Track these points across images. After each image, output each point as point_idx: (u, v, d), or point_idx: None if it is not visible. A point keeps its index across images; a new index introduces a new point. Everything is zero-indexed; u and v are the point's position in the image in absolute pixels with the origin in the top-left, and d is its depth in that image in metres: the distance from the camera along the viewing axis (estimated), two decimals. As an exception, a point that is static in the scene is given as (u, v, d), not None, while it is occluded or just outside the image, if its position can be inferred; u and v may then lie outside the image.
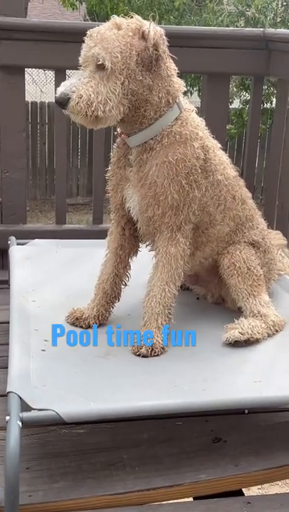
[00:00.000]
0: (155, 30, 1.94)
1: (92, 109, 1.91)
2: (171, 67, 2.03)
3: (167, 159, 2.02)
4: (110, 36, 1.91)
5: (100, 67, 1.91)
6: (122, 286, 2.26)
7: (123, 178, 2.12)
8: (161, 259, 2.10)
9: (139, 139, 2.05)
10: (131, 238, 2.24)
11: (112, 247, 2.24)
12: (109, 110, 1.93)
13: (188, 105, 2.12)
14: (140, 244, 2.26)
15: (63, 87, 1.94)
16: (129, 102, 1.97)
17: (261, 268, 2.27)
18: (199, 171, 2.07)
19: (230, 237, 2.26)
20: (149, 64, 1.94)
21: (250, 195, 2.34)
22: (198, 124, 2.11)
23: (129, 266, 2.26)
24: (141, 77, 1.94)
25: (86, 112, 1.92)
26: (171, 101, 2.03)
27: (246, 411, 2.04)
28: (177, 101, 2.05)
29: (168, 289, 2.09)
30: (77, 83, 1.93)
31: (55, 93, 1.98)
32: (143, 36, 1.92)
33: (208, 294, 2.43)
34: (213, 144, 2.18)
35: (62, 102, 1.93)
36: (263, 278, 2.27)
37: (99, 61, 1.90)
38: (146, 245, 2.23)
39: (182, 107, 2.07)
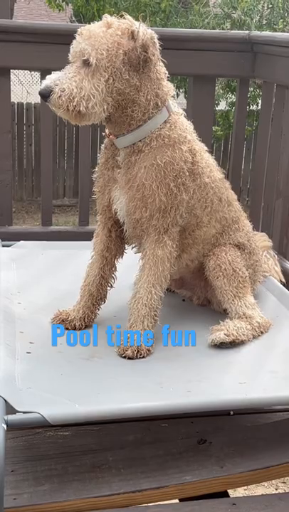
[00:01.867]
0: (144, 31, 1.94)
1: (74, 103, 1.92)
2: (161, 70, 2.04)
3: (156, 162, 2.02)
4: (98, 34, 1.92)
5: (86, 63, 1.92)
6: (108, 288, 2.26)
7: (111, 180, 2.12)
8: (148, 262, 2.10)
9: (127, 141, 2.06)
10: (117, 240, 2.24)
11: (98, 249, 2.24)
12: (92, 107, 1.93)
13: (177, 109, 2.13)
14: (126, 246, 2.26)
15: (48, 80, 1.95)
16: (115, 101, 1.97)
17: (246, 270, 2.28)
18: (187, 173, 2.08)
19: (217, 239, 2.27)
20: (137, 64, 1.94)
21: (236, 197, 2.36)
22: (186, 128, 2.12)
23: (115, 268, 2.26)
24: (127, 77, 1.94)
25: (67, 106, 1.92)
26: (160, 104, 2.04)
27: (231, 412, 2.05)
28: (166, 104, 2.06)
29: (154, 291, 2.09)
30: (62, 77, 1.93)
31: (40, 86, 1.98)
32: (132, 36, 1.93)
33: (193, 296, 2.44)
34: (201, 147, 2.19)
35: (45, 94, 1.94)
36: (248, 280, 2.28)
37: (84, 56, 1.91)
38: (133, 247, 2.23)
39: (171, 110, 2.08)
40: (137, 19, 1.99)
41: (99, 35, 1.92)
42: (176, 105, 2.13)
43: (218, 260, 2.23)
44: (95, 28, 1.95)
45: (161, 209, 2.04)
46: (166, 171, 2.03)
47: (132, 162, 2.05)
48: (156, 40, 1.98)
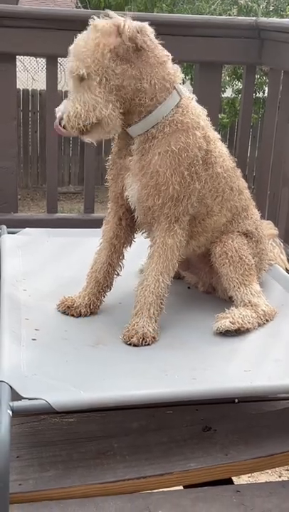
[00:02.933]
0: (129, 24, 1.94)
1: (83, 119, 1.96)
2: (161, 54, 2.02)
3: (170, 148, 2.01)
4: (80, 45, 1.96)
5: (80, 77, 1.95)
6: (115, 276, 2.26)
7: (123, 168, 2.12)
8: (157, 250, 2.10)
9: (140, 128, 2.05)
10: (127, 228, 2.23)
11: (108, 237, 2.24)
12: (100, 112, 1.95)
13: (188, 93, 2.12)
14: (135, 235, 2.26)
15: (59, 112, 2.02)
16: (119, 97, 1.98)
17: (253, 258, 2.28)
18: (200, 162, 2.07)
19: (226, 227, 2.26)
20: (128, 56, 1.95)
21: (246, 185, 2.34)
22: (199, 113, 2.10)
23: (123, 256, 2.26)
24: (120, 70, 1.95)
25: (79, 124, 1.97)
26: (168, 86, 2.02)
27: (236, 400, 2.05)
28: (176, 87, 2.05)
29: (162, 279, 2.09)
30: (66, 103, 2.00)
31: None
32: (118, 32, 1.93)
33: (199, 282, 2.43)
34: (215, 136, 2.17)
35: (62, 125, 2.01)
36: (254, 268, 2.27)
37: (74, 73, 1.95)
38: (143, 233, 2.23)
39: (182, 94, 2.07)
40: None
41: (81, 46, 1.95)
42: (187, 90, 2.12)
43: (225, 247, 2.23)
44: (79, 39, 1.98)
45: (174, 197, 2.04)
46: (181, 158, 2.02)
47: (146, 149, 2.04)
48: (145, 29, 1.97)
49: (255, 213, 2.37)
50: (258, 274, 2.32)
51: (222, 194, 2.19)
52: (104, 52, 1.93)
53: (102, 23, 1.97)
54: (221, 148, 2.20)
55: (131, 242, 2.27)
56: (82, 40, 1.97)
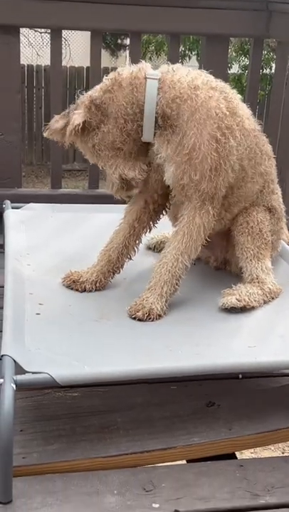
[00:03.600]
0: (68, 130, 2.03)
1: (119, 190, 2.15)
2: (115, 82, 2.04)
3: (191, 119, 1.98)
4: None
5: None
6: (127, 260, 2.24)
7: (157, 169, 2.12)
8: (182, 228, 2.07)
9: (148, 132, 2.04)
10: (151, 214, 2.22)
11: (129, 218, 2.22)
12: (115, 173, 2.09)
13: (165, 67, 2.09)
14: (157, 222, 2.25)
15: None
16: (115, 148, 2.05)
17: (271, 235, 2.27)
18: (227, 112, 2.02)
19: (256, 197, 2.23)
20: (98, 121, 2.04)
21: (272, 154, 2.30)
22: (193, 76, 2.05)
23: (140, 241, 2.25)
24: (93, 139, 2.06)
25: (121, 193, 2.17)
26: (136, 83, 2.02)
27: (240, 376, 2.05)
28: (147, 75, 2.03)
29: (181, 259, 2.06)
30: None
31: None
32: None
33: (211, 257, 2.41)
34: (224, 87, 2.11)
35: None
36: (270, 244, 2.26)
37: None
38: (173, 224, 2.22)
39: (156, 75, 2.04)
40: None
41: None
42: (168, 66, 2.10)
43: (248, 217, 2.21)
44: None
45: (212, 168, 2.00)
46: (206, 121, 1.98)
47: (170, 135, 2.02)
48: (78, 121, 2.01)
49: (279, 189, 2.35)
50: (272, 252, 2.31)
51: (254, 157, 2.16)
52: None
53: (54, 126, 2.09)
54: (240, 104, 2.14)
55: (151, 229, 2.26)
56: None
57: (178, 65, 2.12)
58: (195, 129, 1.98)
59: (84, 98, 2.07)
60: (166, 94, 2.01)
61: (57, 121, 2.07)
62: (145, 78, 2.03)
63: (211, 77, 2.10)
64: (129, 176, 2.08)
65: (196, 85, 2.02)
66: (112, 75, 2.08)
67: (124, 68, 2.08)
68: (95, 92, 2.06)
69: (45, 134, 2.12)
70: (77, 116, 2.02)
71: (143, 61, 2.11)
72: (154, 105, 2.02)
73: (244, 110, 2.15)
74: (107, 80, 2.07)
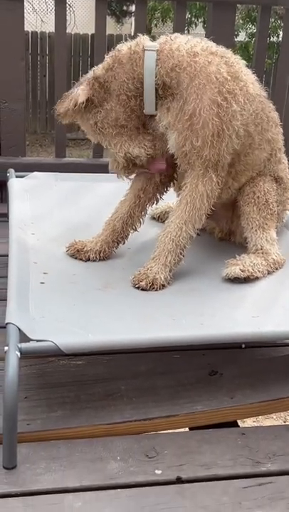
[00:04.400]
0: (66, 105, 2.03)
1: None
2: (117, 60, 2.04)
3: (191, 86, 1.97)
4: None
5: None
6: (131, 231, 2.24)
7: (161, 138, 2.10)
8: (185, 197, 2.06)
9: (150, 105, 2.03)
10: (158, 185, 2.21)
11: (135, 188, 2.21)
12: (120, 151, 2.07)
13: (162, 39, 2.07)
14: (163, 194, 2.24)
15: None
16: (119, 125, 2.04)
17: (277, 206, 2.25)
18: (229, 77, 2.00)
19: (264, 166, 2.22)
20: (100, 99, 2.03)
21: (279, 122, 2.28)
22: (191, 44, 2.04)
23: (146, 212, 2.24)
24: (91, 121, 2.06)
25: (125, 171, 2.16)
26: (135, 58, 2.01)
27: (243, 345, 2.06)
28: (145, 48, 2.02)
29: (185, 228, 2.06)
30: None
31: None
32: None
33: (216, 228, 2.40)
34: (226, 52, 2.08)
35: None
36: (276, 215, 2.25)
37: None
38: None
39: (154, 46, 2.02)
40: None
41: None
42: (167, 37, 2.08)
43: (255, 188, 2.20)
44: None
45: (214, 134, 1.98)
46: (206, 86, 1.96)
47: (171, 102, 2.01)
48: (82, 99, 2.00)
49: (286, 160, 2.33)
50: (277, 223, 2.30)
51: (261, 122, 2.14)
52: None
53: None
54: (244, 68, 2.12)
55: (157, 201, 2.25)
56: None
57: (177, 34, 2.10)
58: (195, 95, 1.97)
59: (87, 76, 2.06)
60: (165, 63, 2.00)
61: (62, 104, 2.05)
62: (143, 51, 2.02)
63: (212, 44, 2.08)
64: (135, 154, 2.07)
65: (195, 52, 2.00)
66: (112, 53, 2.07)
67: (123, 44, 2.07)
68: (98, 70, 2.05)
69: (57, 119, 2.11)
70: (81, 93, 2.01)
71: (140, 34, 2.09)
72: (153, 77, 2.01)
73: (248, 75, 2.12)
74: (108, 58, 2.06)
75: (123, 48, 2.05)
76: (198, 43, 2.04)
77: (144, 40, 2.06)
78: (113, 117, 2.04)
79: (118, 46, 2.08)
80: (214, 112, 1.96)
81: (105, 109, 2.04)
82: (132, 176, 2.21)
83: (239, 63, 2.09)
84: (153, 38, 2.16)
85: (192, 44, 2.03)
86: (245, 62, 2.14)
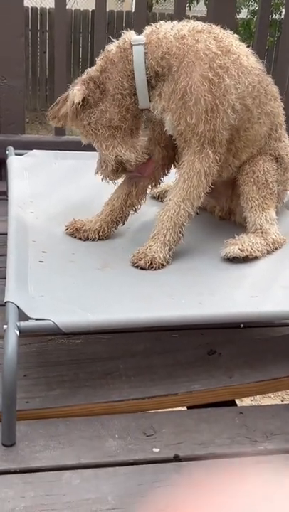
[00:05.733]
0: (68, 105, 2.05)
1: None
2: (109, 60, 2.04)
3: (181, 67, 1.96)
4: None
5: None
6: (131, 212, 2.23)
7: (159, 122, 2.10)
8: (182, 175, 2.05)
9: (144, 99, 2.02)
10: (158, 166, 2.20)
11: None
12: (111, 154, 2.07)
13: (148, 30, 2.06)
14: (163, 177, 2.24)
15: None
16: (112, 126, 2.04)
17: (278, 186, 2.24)
18: (219, 52, 1.99)
19: (264, 143, 2.20)
20: (97, 99, 2.03)
21: (279, 96, 2.26)
22: (177, 28, 2.02)
23: (145, 193, 2.23)
24: (86, 122, 2.06)
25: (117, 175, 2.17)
26: (126, 55, 2.01)
27: (242, 325, 2.06)
28: (132, 43, 2.01)
29: (183, 206, 2.05)
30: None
31: None
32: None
33: (216, 207, 2.40)
34: (214, 28, 2.07)
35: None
36: (275, 195, 2.24)
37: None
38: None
39: (140, 39, 2.02)
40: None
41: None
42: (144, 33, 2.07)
43: (254, 167, 2.19)
44: None
45: (208, 110, 1.97)
46: (196, 63, 1.95)
47: (162, 87, 2.01)
48: (78, 99, 2.01)
49: (287, 138, 2.32)
50: (277, 203, 2.29)
51: (258, 96, 2.12)
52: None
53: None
54: (235, 41, 2.10)
55: (158, 183, 2.24)
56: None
57: (161, 22, 2.09)
58: (184, 74, 1.96)
59: (81, 77, 2.06)
60: (154, 54, 1.99)
61: (57, 107, 2.08)
62: (131, 47, 2.00)
63: (198, 23, 2.06)
64: (126, 157, 2.06)
65: (182, 35, 2.00)
66: (102, 54, 2.07)
67: (111, 44, 2.07)
68: (92, 71, 2.06)
69: (51, 123, 2.13)
70: (77, 92, 2.01)
71: (125, 31, 2.08)
72: (144, 70, 2.00)
73: (241, 48, 2.10)
74: (99, 60, 2.06)
75: (112, 47, 2.05)
76: (184, 26, 2.04)
77: (130, 35, 2.06)
78: (107, 118, 2.03)
79: (107, 47, 2.08)
80: (206, 88, 1.95)
81: (100, 109, 2.03)
82: (118, 180, 2.21)
83: (229, 37, 2.08)
84: (154, 16, 2.14)
85: (178, 28, 2.03)
86: (237, 36, 2.13)
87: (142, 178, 2.19)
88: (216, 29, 2.06)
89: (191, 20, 2.09)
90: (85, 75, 2.07)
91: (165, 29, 2.03)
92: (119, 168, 2.12)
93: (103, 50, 2.06)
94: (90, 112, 2.04)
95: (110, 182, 2.18)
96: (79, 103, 2.01)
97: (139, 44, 2.01)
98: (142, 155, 2.09)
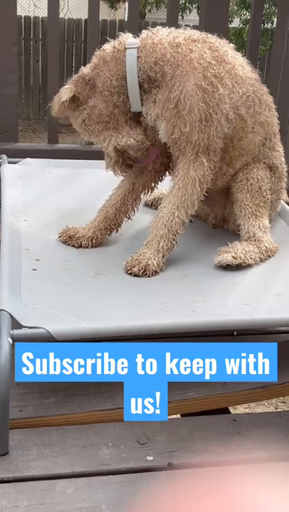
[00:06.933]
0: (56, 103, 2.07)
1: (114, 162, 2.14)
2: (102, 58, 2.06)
3: (175, 75, 1.97)
4: None
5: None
6: (125, 219, 2.24)
7: (152, 128, 2.10)
8: (177, 182, 2.06)
9: (135, 102, 2.03)
10: (152, 172, 2.21)
11: (130, 176, 2.22)
12: (109, 146, 2.08)
13: (144, 34, 2.07)
14: (157, 183, 2.24)
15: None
16: (103, 121, 2.05)
17: (271, 194, 2.25)
18: (214, 62, 2.00)
19: (258, 151, 2.21)
20: (86, 95, 2.05)
21: (273, 105, 2.27)
22: (174, 36, 2.03)
23: (139, 199, 2.24)
24: (80, 119, 2.08)
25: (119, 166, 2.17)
26: (118, 56, 2.02)
27: (235, 333, 2.06)
28: (126, 46, 2.03)
29: (177, 213, 2.05)
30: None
31: None
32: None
33: (210, 215, 2.40)
34: (209, 37, 2.08)
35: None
36: (269, 203, 2.25)
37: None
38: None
39: (134, 42, 2.03)
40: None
41: None
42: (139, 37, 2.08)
43: (248, 174, 2.20)
44: None
45: (202, 119, 1.98)
46: (191, 72, 1.96)
47: (156, 94, 2.02)
48: (65, 97, 2.04)
49: (281, 147, 2.33)
50: (270, 212, 2.30)
51: (252, 105, 2.13)
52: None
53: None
54: (230, 51, 2.11)
55: (152, 189, 2.25)
56: None
57: (158, 27, 2.10)
58: (178, 83, 1.97)
59: (75, 75, 2.10)
60: (148, 58, 2.00)
61: (53, 103, 2.11)
62: (125, 49, 2.02)
63: (194, 31, 2.08)
64: (122, 143, 2.06)
65: (177, 43, 2.01)
66: (97, 52, 2.09)
67: (108, 43, 2.08)
68: (85, 69, 2.08)
69: (53, 113, 2.14)
70: (65, 91, 2.04)
71: (122, 33, 2.10)
72: (136, 74, 2.01)
73: (236, 57, 2.12)
74: (94, 58, 2.08)
75: (107, 46, 2.07)
76: (180, 34, 2.05)
77: (126, 37, 2.07)
78: (96, 113, 2.05)
79: (103, 46, 2.10)
80: (200, 97, 1.96)
81: (89, 106, 2.05)
82: (116, 183, 2.22)
83: (224, 46, 2.09)
84: (147, 25, 2.15)
85: (174, 35, 2.04)
86: (232, 45, 2.14)
87: (149, 166, 2.20)
88: (212, 38, 2.07)
89: (188, 28, 2.10)
90: (77, 74, 2.10)
91: (161, 35, 2.04)
92: (121, 159, 2.12)
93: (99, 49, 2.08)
94: (82, 109, 2.07)
95: (121, 175, 2.21)
96: (67, 100, 2.03)
97: (133, 48, 2.02)
98: (141, 141, 2.08)
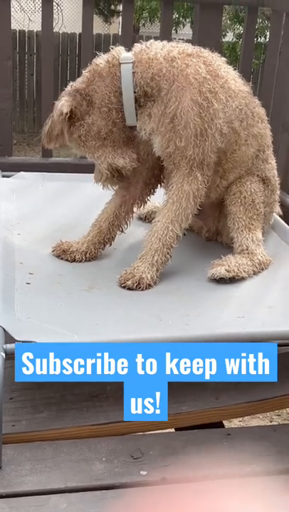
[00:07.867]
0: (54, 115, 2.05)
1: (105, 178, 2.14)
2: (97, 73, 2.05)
3: (171, 90, 1.98)
4: None
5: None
6: (118, 232, 2.24)
7: (146, 142, 2.10)
8: (171, 196, 2.06)
9: (130, 116, 2.04)
10: (144, 186, 2.21)
11: (121, 189, 2.22)
12: (104, 163, 2.07)
13: (138, 48, 2.07)
14: (149, 196, 2.24)
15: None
16: (100, 138, 2.05)
17: (265, 207, 2.26)
18: (208, 77, 2.01)
19: (252, 164, 2.22)
20: (83, 111, 2.04)
21: (266, 118, 2.28)
22: (168, 49, 2.04)
23: (132, 212, 2.24)
24: (76, 135, 2.06)
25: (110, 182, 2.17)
26: (114, 71, 2.02)
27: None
28: (121, 61, 2.03)
29: (172, 227, 2.06)
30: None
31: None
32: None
33: (203, 228, 2.41)
34: (203, 51, 2.09)
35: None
36: (262, 216, 2.26)
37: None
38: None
39: (129, 58, 2.03)
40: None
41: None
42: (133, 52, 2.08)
43: (241, 187, 2.21)
44: None
45: (197, 133, 1.99)
46: (186, 88, 1.97)
47: (151, 108, 2.03)
48: (66, 110, 2.01)
49: (274, 160, 2.34)
50: (264, 224, 2.30)
51: (246, 118, 2.14)
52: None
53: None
54: (223, 65, 2.12)
55: (145, 203, 2.25)
56: None
57: (152, 41, 2.11)
58: (174, 98, 1.98)
59: (66, 90, 2.07)
60: (144, 74, 2.01)
61: (50, 127, 2.07)
62: (120, 64, 2.02)
63: (188, 46, 2.09)
64: (119, 164, 2.07)
65: (172, 57, 2.02)
66: (89, 67, 2.08)
67: (99, 58, 2.08)
68: (77, 84, 2.06)
69: (48, 146, 2.14)
70: (65, 103, 2.02)
71: (114, 46, 2.10)
72: (132, 89, 2.02)
73: (228, 72, 2.13)
74: (86, 73, 2.07)
75: (100, 61, 2.07)
76: (174, 48, 2.06)
77: (119, 51, 2.07)
78: (95, 130, 2.05)
79: (94, 60, 2.09)
80: (195, 112, 1.97)
81: (87, 122, 2.04)
82: (108, 198, 2.22)
83: (217, 61, 2.10)
84: (141, 39, 2.16)
85: (168, 49, 2.04)
86: (224, 59, 2.16)
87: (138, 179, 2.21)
88: (205, 52, 2.09)
89: (180, 42, 2.11)
90: (69, 88, 2.07)
91: (155, 49, 2.05)
92: (114, 176, 2.13)
93: (90, 63, 2.07)
94: (78, 124, 2.05)
95: (110, 188, 2.21)
96: (67, 114, 2.01)
97: (127, 63, 2.03)
98: (134, 162, 2.09)
